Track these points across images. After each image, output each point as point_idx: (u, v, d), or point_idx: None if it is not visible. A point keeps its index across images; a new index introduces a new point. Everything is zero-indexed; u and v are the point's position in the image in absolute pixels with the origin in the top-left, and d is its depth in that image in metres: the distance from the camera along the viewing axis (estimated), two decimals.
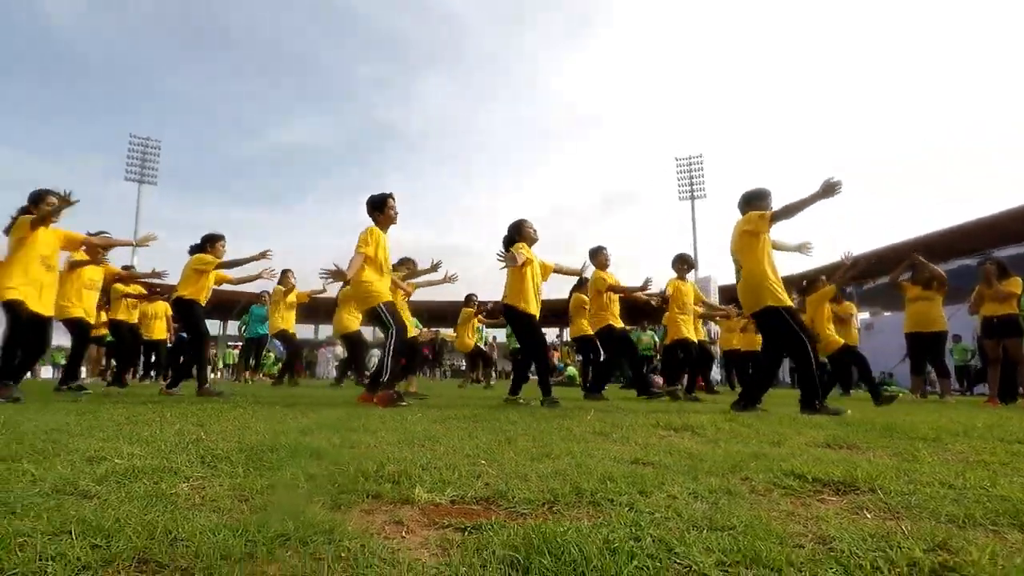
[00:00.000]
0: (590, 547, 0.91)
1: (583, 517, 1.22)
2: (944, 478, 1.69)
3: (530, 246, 5.41)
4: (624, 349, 6.73)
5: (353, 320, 8.29)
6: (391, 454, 1.82)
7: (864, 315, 9.95)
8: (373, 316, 4.83)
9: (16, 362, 4.56)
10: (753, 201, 4.68)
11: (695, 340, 7.16)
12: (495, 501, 1.33)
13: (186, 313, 5.91)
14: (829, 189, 4.08)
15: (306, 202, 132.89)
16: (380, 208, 4.94)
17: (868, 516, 1.33)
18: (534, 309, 5.23)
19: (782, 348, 4.62)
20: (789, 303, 4.53)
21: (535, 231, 5.51)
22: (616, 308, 6.72)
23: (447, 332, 13.83)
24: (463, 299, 10.94)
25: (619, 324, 6.68)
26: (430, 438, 2.30)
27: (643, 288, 6.56)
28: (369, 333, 11.40)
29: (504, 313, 5.59)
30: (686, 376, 7.49)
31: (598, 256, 6.70)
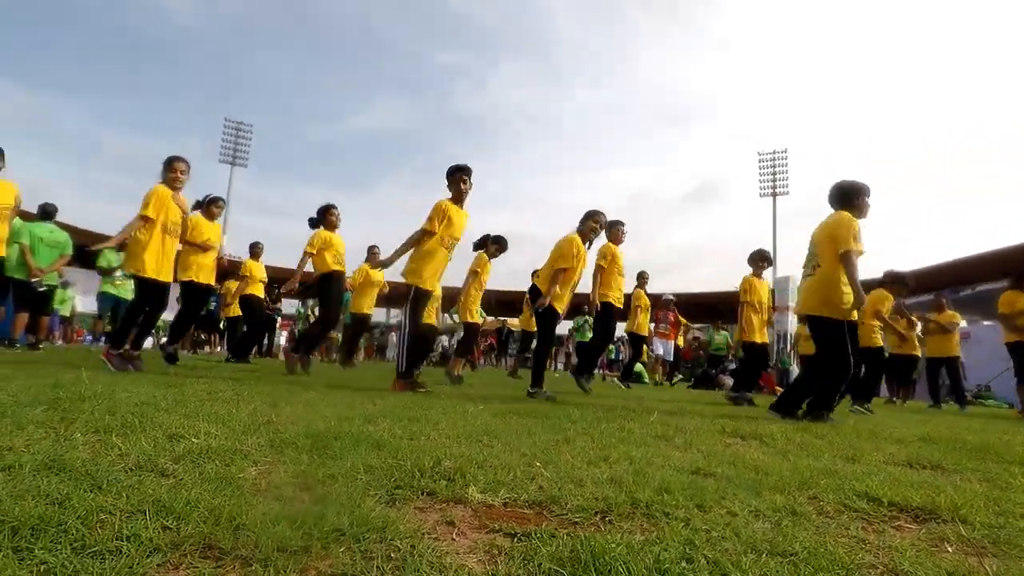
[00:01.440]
0: (639, 566, 0.89)
1: (636, 530, 1.20)
2: None
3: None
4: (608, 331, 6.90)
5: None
6: (449, 449, 1.85)
7: (962, 323, 9.22)
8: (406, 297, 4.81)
9: (137, 330, 4.90)
10: (849, 197, 4.34)
11: (763, 342, 6.86)
12: (547, 507, 1.32)
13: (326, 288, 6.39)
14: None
15: (382, 185, 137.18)
16: (451, 180, 4.85)
17: (949, 550, 1.24)
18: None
19: (826, 357, 4.36)
20: (853, 319, 4.27)
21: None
22: (618, 284, 6.68)
23: (513, 321, 13.93)
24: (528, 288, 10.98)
25: (619, 305, 6.68)
26: (488, 433, 2.33)
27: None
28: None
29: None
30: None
31: (612, 229, 6.52)
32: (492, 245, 6.96)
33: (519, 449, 2.01)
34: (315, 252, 6.29)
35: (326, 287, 6.40)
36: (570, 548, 0.97)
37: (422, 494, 1.34)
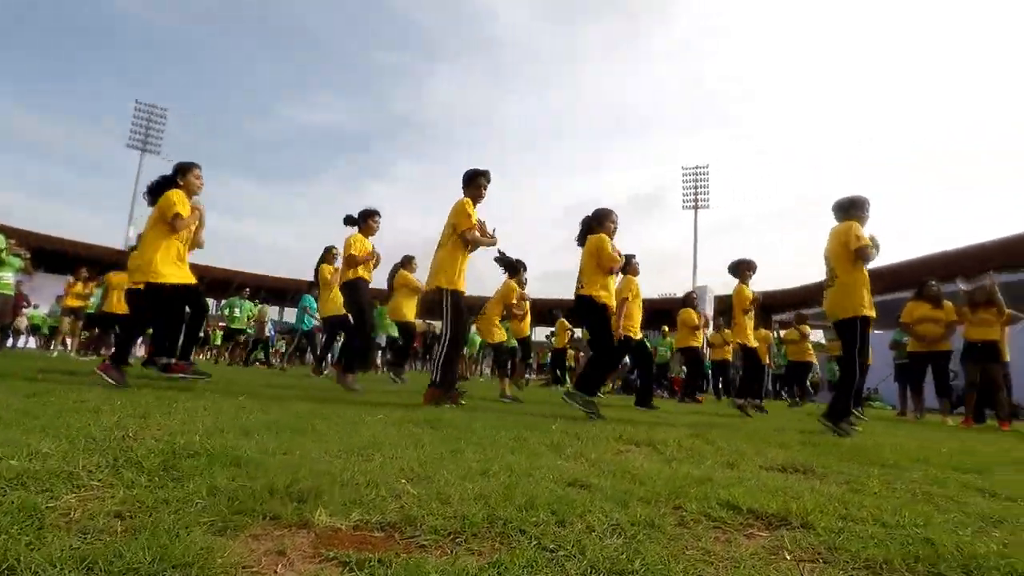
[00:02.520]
0: None
1: (485, 551, 1.17)
2: (880, 514, 1.64)
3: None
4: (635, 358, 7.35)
5: (410, 308, 8.25)
6: (317, 466, 1.76)
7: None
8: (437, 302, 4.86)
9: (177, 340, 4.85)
10: (850, 210, 4.76)
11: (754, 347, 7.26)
12: (400, 528, 1.27)
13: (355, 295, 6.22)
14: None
15: (321, 183, 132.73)
16: (472, 183, 4.95)
17: (787, 557, 1.29)
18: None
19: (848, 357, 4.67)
20: (873, 315, 4.60)
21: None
22: (637, 316, 6.98)
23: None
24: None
25: (637, 336, 6.97)
26: (374, 445, 2.24)
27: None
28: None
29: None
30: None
31: (629, 264, 6.83)
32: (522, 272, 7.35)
33: (399, 463, 1.94)
34: (358, 257, 6.16)
35: (357, 294, 6.29)
36: None
37: (264, 518, 1.24)
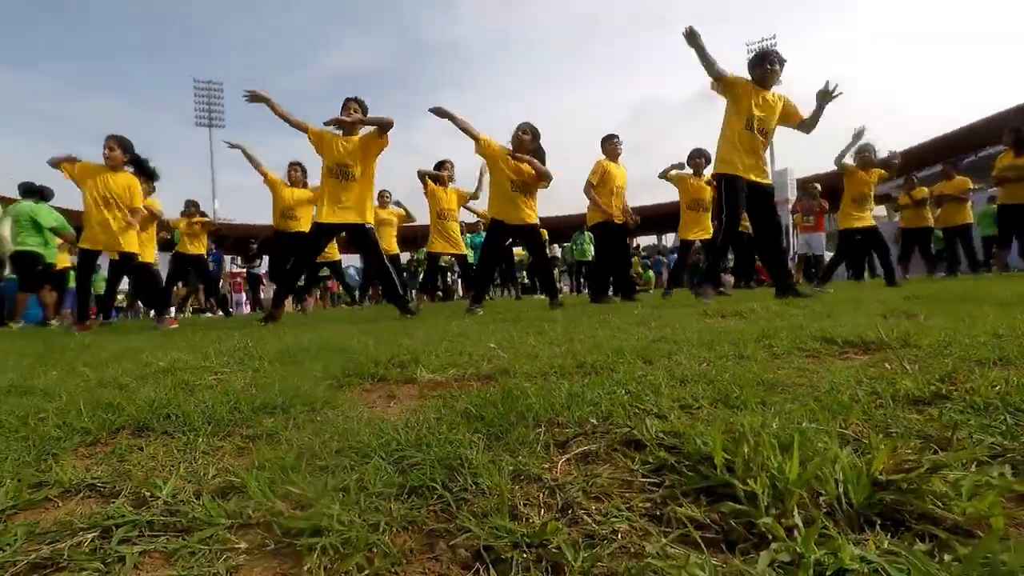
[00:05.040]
0: (546, 399, 0.91)
1: (576, 380, 1.22)
2: (995, 328, 1.55)
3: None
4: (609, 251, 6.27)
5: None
6: (414, 346, 1.88)
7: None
8: None
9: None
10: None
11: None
12: (494, 377, 1.35)
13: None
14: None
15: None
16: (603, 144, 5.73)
17: (887, 367, 1.25)
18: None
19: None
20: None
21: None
22: (616, 201, 6.03)
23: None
24: None
25: (619, 220, 6.04)
26: (461, 335, 2.36)
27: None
28: None
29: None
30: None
31: (606, 144, 6.09)
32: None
33: (486, 342, 2.03)
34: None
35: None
36: (485, 394, 0.99)
37: (373, 379, 1.37)
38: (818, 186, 9.58)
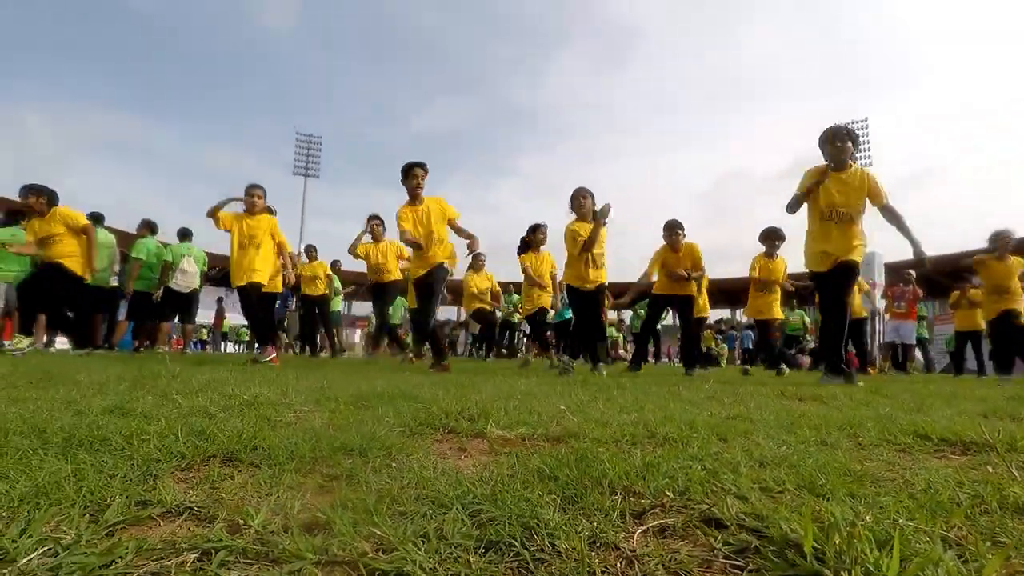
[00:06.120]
0: (620, 466, 0.90)
1: (649, 451, 1.20)
2: None
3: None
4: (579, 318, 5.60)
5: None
6: (483, 401, 1.91)
7: None
8: None
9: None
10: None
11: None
12: (564, 440, 1.34)
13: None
14: None
15: (448, 184, 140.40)
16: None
17: (990, 470, 1.16)
18: None
19: None
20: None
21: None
22: (582, 268, 5.28)
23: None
24: None
25: (589, 286, 5.27)
26: (529, 393, 2.36)
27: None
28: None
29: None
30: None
31: (576, 200, 5.39)
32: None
33: (555, 403, 2.03)
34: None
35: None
36: (558, 455, 0.99)
37: (443, 431, 1.39)
38: (913, 272, 9.05)
